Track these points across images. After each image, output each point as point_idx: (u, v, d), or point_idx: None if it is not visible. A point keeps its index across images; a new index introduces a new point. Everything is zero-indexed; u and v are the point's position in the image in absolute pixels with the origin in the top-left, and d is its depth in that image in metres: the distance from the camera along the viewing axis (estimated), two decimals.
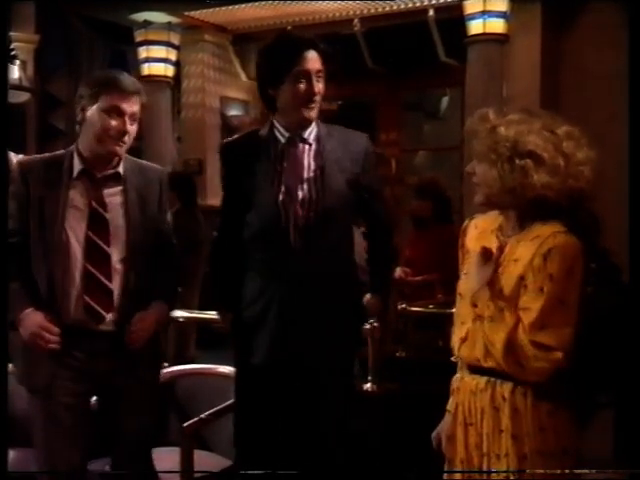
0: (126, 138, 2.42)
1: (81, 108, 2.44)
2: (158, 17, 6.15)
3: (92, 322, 2.39)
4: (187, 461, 2.64)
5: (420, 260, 4.44)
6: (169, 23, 6.23)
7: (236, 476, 2.56)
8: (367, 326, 3.58)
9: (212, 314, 2.93)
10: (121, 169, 2.49)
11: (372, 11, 5.81)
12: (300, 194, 2.47)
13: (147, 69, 6.25)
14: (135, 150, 2.71)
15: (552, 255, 1.84)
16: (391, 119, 6.36)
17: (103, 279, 2.39)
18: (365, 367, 3.64)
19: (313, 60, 2.45)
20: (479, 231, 2.08)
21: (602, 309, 1.98)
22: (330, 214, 2.48)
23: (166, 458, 2.72)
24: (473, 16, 5.01)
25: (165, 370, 3.02)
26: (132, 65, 6.73)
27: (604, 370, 2.04)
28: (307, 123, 2.51)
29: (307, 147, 2.52)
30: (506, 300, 1.89)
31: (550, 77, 5.09)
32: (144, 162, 2.66)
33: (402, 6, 5.68)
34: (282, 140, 2.52)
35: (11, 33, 5.85)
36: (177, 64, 6.45)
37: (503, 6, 4.97)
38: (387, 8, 5.73)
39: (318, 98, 2.48)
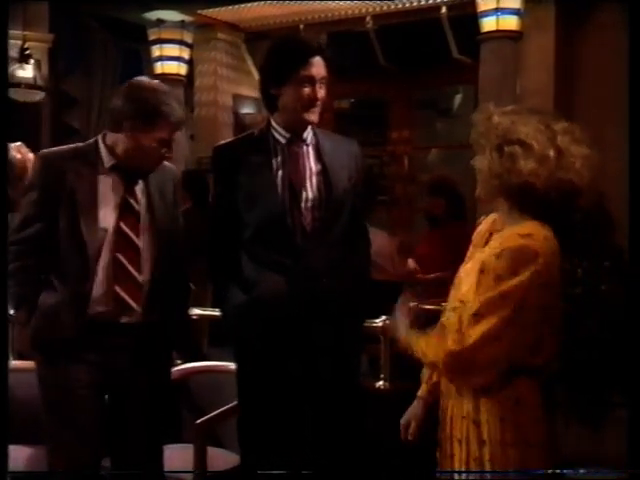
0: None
1: None
2: (171, 15, 6.17)
3: (120, 313, 2.41)
4: (200, 458, 2.66)
5: (433, 258, 4.43)
6: (182, 21, 6.25)
7: (249, 474, 2.56)
8: (379, 323, 3.59)
9: None
10: None
11: (384, 8, 5.80)
12: (304, 194, 2.47)
13: (160, 67, 6.27)
14: None
15: (502, 256, 1.84)
16: (403, 117, 6.34)
17: (133, 270, 2.42)
18: (377, 365, 3.64)
19: (319, 66, 2.46)
20: (484, 227, 2.10)
21: (615, 307, 1.98)
22: (336, 212, 2.48)
23: (179, 455, 2.74)
24: (486, 13, 4.99)
25: (178, 367, 3.03)
26: (146, 63, 6.76)
27: (617, 368, 2.04)
28: (307, 126, 2.51)
29: (307, 147, 2.53)
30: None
31: (563, 75, 5.06)
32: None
33: (415, 3, 5.67)
34: (282, 140, 2.52)
35: (25, 32, 5.87)
36: (190, 62, 6.47)
37: (516, 3, 4.95)
38: (400, 5, 5.72)
39: (319, 103, 2.48)
